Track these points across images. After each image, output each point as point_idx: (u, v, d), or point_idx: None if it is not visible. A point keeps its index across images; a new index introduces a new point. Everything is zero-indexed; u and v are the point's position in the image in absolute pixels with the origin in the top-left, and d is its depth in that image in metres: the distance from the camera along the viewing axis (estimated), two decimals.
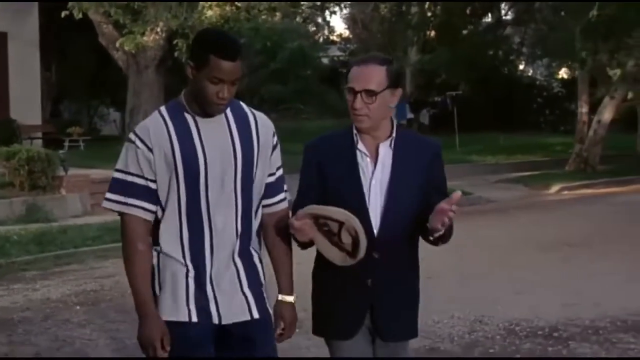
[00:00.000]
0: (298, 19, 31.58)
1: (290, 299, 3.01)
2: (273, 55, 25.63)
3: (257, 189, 2.95)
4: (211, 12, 14.93)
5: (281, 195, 3.03)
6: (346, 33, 41.45)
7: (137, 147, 2.82)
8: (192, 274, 2.84)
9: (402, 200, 2.98)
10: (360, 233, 2.80)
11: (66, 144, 19.25)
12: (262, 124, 2.96)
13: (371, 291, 2.97)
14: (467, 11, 28.94)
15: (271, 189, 3.00)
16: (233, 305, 2.87)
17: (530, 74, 38.33)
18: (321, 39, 41.17)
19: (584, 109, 21.53)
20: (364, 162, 2.99)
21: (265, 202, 2.99)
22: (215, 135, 2.85)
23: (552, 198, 16.91)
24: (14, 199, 11.73)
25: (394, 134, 3.00)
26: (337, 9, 35.55)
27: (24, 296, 7.39)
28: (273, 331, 2.99)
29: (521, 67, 38.81)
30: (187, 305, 2.82)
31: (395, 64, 2.99)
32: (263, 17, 24.12)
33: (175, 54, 15.63)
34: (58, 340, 5.89)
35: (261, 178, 2.95)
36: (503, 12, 30.60)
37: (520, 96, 32.22)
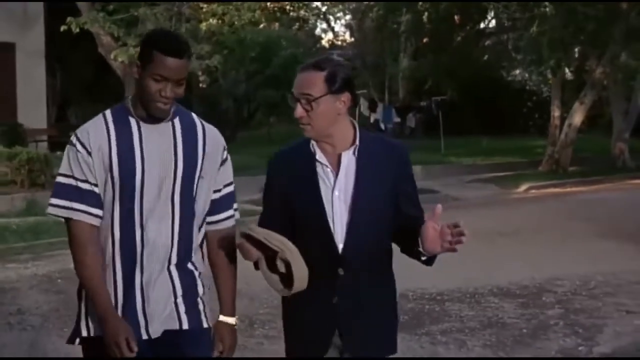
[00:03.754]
0: (296, 26, 33.02)
1: (231, 320, 2.93)
2: (268, 63, 27.04)
3: (201, 203, 2.87)
4: (202, 25, 16.34)
5: (227, 213, 2.95)
6: (351, 39, 43.00)
7: (78, 150, 2.77)
8: (121, 285, 2.79)
9: (370, 211, 2.85)
10: (294, 265, 2.67)
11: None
12: (211, 137, 2.89)
13: (338, 310, 2.85)
14: (456, 20, 30.18)
15: (216, 206, 2.91)
16: (163, 315, 2.81)
17: (526, 78, 39.52)
18: (327, 45, 42.67)
19: (556, 113, 22.79)
20: (325, 173, 2.86)
21: (210, 218, 2.91)
22: (157, 142, 2.79)
23: (518, 196, 17.96)
24: (14, 195, 13.15)
25: (357, 142, 2.87)
26: (340, 14, 37.28)
27: (16, 273, 8.77)
28: (207, 344, 2.90)
29: (517, 71, 40.04)
30: None
31: (340, 68, 2.85)
32: (261, 25, 25.58)
33: None
34: (38, 302, 7.29)
35: (206, 192, 2.88)
36: (492, 20, 31.81)
37: (510, 101, 33.37)
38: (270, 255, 2.70)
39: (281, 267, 2.68)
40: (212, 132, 2.91)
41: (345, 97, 2.84)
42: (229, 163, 2.96)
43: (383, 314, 2.96)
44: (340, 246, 2.83)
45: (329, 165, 2.86)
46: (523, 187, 19.18)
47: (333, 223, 2.84)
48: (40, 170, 13.57)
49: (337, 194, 2.84)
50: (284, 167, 2.94)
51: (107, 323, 2.72)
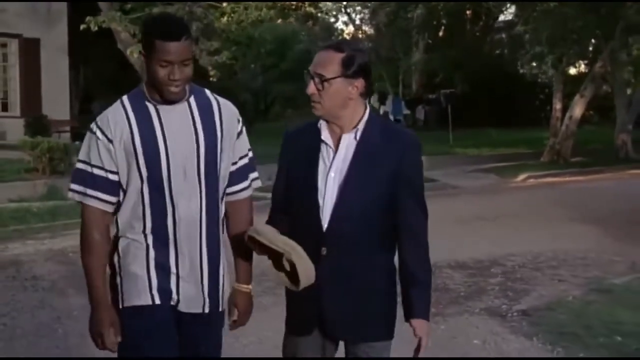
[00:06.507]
0: (310, 22, 33.97)
1: (246, 288, 3.04)
2: (282, 57, 28.06)
3: (222, 177, 2.94)
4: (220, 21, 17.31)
5: (243, 184, 3.03)
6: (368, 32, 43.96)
7: (98, 138, 2.83)
8: (153, 258, 2.86)
9: (359, 195, 2.89)
10: (299, 266, 2.73)
11: None
12: (226, 111, 2.95)
13: (321, 290, 2.87)
14: (467, 15, 30.94)
15: (233, 177, 2.99)
16: (191, 295, 2.91)
17: (539, 71, 40.03)
18: (347, 37, 43.61)
19: (557, 105, 23.54)
20: (327, 153, 2.93)
21: (228, 190, 2.99)
22: (176, 123, 2.85)
23: (515, 185, 18.38)
24: (36, 181, 14.26)
25: (360, 125, 2.92)
26: (359, 7, 38.12)
27: (34, 248, 9.83)
28: (219, 327, 3.02)
29: (534, 64, 40.56)
30: (150, 288, 2.86)
31: (359, 54, 2.89)
32: (279, 21, 26.51)
33: None
34: (51, 270, 8.34)
35: (226, 166, 2.95)
36: (502, 14, 32.49)
37: (521, 94, 33.99)
38: (276, 256, 2.79)
39: (287, 266, 2.77)
40: (227, 106, 2.99)
41: (359, 83, 2.89)
42: (244, 135, 3.05)
43: (374, 298, 2.95)
44: (325, 225, 2.89)
45: (331, 146, 2.93)
46: (522, 177, 19.56)
47: (323, 202, 2.89)
48: (60, 158, 14.69)
49: (332, 175, 2.90)
50: (294, 142, 3.03)
51: (97, 311, 2.85)
